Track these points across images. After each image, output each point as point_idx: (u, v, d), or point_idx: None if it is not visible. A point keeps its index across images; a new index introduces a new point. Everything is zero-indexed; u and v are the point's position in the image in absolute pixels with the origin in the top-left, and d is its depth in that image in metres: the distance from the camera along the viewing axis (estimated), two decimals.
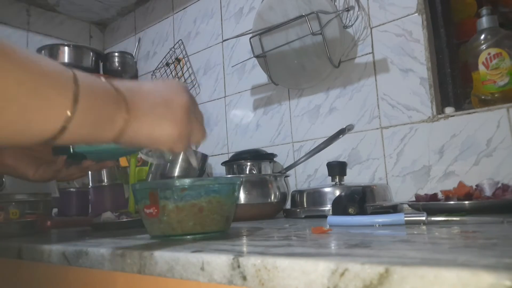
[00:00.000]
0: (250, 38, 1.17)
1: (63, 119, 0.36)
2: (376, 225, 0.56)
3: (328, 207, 0.84)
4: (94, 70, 1.64)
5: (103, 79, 0.42)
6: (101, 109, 0.39)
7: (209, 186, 0.56)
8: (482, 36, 0.93)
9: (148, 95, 0.45)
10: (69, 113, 0.36)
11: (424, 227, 0.52)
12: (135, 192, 0.60)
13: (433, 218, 0.56)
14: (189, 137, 0.48)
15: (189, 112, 0.47)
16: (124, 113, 0.41)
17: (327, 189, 0.87)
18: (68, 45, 1.58)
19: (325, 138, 0.94)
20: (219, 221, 0.58)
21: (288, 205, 1.00)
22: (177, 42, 1.54)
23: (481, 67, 0.92)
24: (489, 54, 0.91)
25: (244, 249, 0.41)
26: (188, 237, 0.57)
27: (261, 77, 1.28)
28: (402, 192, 0.97)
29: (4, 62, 0.33)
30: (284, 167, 1.08)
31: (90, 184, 1.15)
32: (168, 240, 0.57)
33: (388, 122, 1.02)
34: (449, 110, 0.94)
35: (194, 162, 0.61)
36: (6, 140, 0.36)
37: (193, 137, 0.49)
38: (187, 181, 0.56)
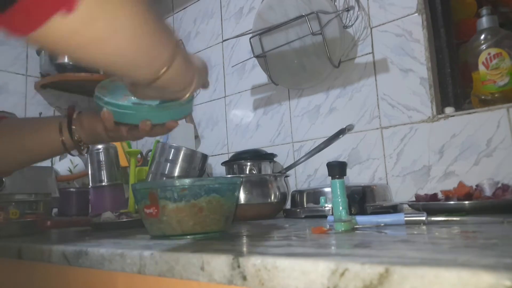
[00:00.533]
0: (250, 38, 1.17)
1: (169, 59, 0.46)
2: (376, 225, 0.56)
3: (328, 207, 0.84)
4: (94, 70, 1.64)
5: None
6: (184, 59, 0.50)
7: (209, 186, 0.56)
8: (482, 36, 0.93)
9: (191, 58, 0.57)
10: (172, 53, 0.46)
11: (424, 227, 0.52)
12: (135, 192, 0.60)
13: (433, 218, 0.56)
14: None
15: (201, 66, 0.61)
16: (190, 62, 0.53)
17: (327, 189, 0.87)
18: None
19: (325, 138, 0.94)
20: (219, 221, 0.58)
21: (288, 205, 1.00)
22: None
23: (481, 67, 0.92)
24: (489, 54, 0.91)
25: (244, 249, 0.41)
26: (188, 237, 0.57)
27: (261, 77, 1.28)
28: (402, 192, 0.97)
29: (137, 9, 0.40)
30: (284, 167, 1.08)
31: (90, 184, 1.15)
32: (168, 240, 0.57)
33: (388, 122, 1.02)
34: (449, 110, 0.94)
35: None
36: (131, 68, 0.44)
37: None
38: (187, 181, 0.56)
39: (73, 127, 0.67)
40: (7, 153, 0.67)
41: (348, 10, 1.05)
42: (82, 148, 0.69)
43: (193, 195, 0.55)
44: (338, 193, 0.55)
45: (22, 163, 0.73)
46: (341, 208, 0.55)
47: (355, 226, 0.56)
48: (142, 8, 0.40)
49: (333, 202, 0.55)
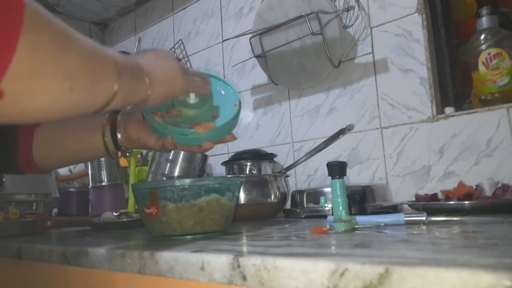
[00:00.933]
0: (250, 38, 1.17)
1: (113, 91, 0.45)
2: (376, 225, 0.56)
3: (328, 207, 0.84)
4: None
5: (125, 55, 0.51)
6: (134, 80, 0.49)
7: (209, 186, 0.56)
8: (482, 36, 0.93)
9: (155, 62, 0.56)
10: (116, 86, 0.45)
11: (424, 227, 0.52)
12: (135, 192, 0.60)
13: (433, 218, 0.56)
14: (193, 79, 0.61)
15: (183, 66, 0.60)
16: (147, 79, 0.52)
17: (327, 189, 0.87)
18: None
19: (325, 138, 0.94)
20: (219, 221, 0.58)
21: (288, 205, 1.00)
22: (177, 42, 1.54)
23: (481, 67, 0.92)
24: (489, 54, 0.91)
25: (244, 249, 0.41)
26: (188, 237, 0.57)
27: (261, 77, 1.28)
28: (402, 192, 0.97)
29: (70, 33, 0.39)
30: (284, 167, 1.08)
31: (90, 184, 1.15)
32: (168, 240, 0.57)
33: (388, 122, 1.02)
34: (449, 110, 0.94)
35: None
36: (71, 111, 0.42)
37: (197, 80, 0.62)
38: (187, 181, 0.56)
39: (118, 135, 0.68)
40: (50, 153, 0.68)
41: (348, 10, 1.05)
42: (126, 153, 0.70)
43: (193, 195, 0.55)
44: (338, 193, 0.55)
45: (64, 164, 0.75)
46: (341, 208, 0.55)
47: (355, 226, 0.56)
48: (71, 66, 0.39)
49: (333, 202, 0.55)
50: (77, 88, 0.40)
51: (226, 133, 0.65)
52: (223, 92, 0.69)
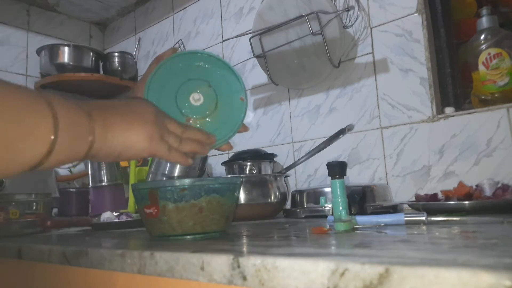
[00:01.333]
0: (250, 38, 1.17)
1: (49, 142, 0.38)
2: (376, 225, 0.56)
3: (328, 207, 0.84)
4: (94, 70, 1.64)
5: (70, 98, 0.44)
6: (77, 127, 0.42)
7: (209, 186, 0.56)
8: (482, 36, 0.93)
9: (116, 107, 0.48)
10: (52, 137, 0.38)
11: (424, 227, 0.52)
12: (135, 192, 0.60)
13: (433, 218, 0.56)
14: (163, 139, 0.51)
15: (157, 115, 0.50)
16: (98, 126, 0.44)
17: (327, 189, 0.87)
18: (68, 45, 1.58)
19: (325, 138, 0.94)
20: (219, 221, 0.58)
21: (288, 205, 1.00)
22: (177, 42, 1.54)
23: (481, 67, 0.92)
24: (489, 54, 0.91)
25: (244, 249, 0.41)
26: (188, 237, 0.57)
27: (261, 77, 1.28)
28: (402, 192, 0.97)
29: None
30: (284, 167, 1.08)
31: (90, 184, 1.15)
32: (168, 240, 0.57)
33: (388, 122, 1.02)
34: (449, 110, 0.94)
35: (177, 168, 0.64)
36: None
37: (168, 139, 0.52)
38: (187, 181, 0.56)
39: None
40: None
41: (348, 10, 1.05)
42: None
43: (193, 195, 0.55)
44: (338, 193, 0.55)
45: None
46: (341, 208, 0.55)
47: (355, 226, 0.56)
48: None
49: (333, 202, 0.55)
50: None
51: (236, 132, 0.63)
52: (226, 80, 0.62)
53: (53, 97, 0.40)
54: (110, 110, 0.47)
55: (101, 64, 1.70)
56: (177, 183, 0.56)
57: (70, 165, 1.39)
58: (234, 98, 0.62)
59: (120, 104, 0.49)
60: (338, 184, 0.56)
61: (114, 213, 0.91)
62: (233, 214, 0.61)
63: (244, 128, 0.63)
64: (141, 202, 0.58)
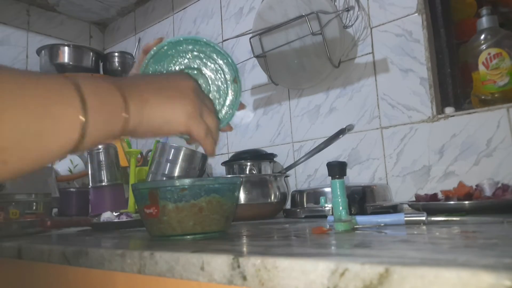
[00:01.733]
0: (250, 38, 1.17)
1: (80, 127, 0.37)
2: (376, 225, 0.56)
3: (328, 207, 0.84)
4: (94, 70, 1.64)
5: (102, 77, 0.43)
6: (109, 105, 0.40)
7: (209, 186, 0.56)
8: (482, 36, 0.93)
9: (152, 81, 0.46)
10: (82, 118, 0.37)
11: (424, 227, 0.52)
12: (135, 192, 0.60)
13: (433, 218, 0.56)
14: (202, 117, 0.48)
15: (197, 93, 0.48)
16: (132, 102, 0.42)
17: (327, 189, 0.87)
18: (68, 45, 1.58)
19: (325, 138, 0.94)
20: (219, 221, 0.58)
21: (288, 205, 1.00)
22: None
23: (481, 67, 0.92)
24: (489, 54, 0.91)
25: (244, 249, 0.41)
26: (188, 237, 0.57)
27: (261, 77, 1.28)
28: (402, 192, 0.97)
29: (6, 95, 0.33)
30: (284, 167, 1.08)
31: (90, 184, 1.15)
32: (168, 240, 0.57)
33: (388, 122, 1.02)
34: (449, 110, 0.94)
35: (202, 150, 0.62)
36: (32, 165, 0.36)
37: (206, 118, 0.49)
38: (187, 181, 0.56)
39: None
40: None
41: (348, 10, 1.05)
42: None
43: (193, 195, 0.55)
44: (338, 193, 0.55)
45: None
46: (341, 208, 0.55)
47: (355, 226, 0.56)
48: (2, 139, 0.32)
49: (333, 202, 0.55)
50: (12, 161, 0.33)
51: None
52: (219, 62, 0.61)
53: (82, 79, 0.39)
54: (146, 85, 0.45)
55: (101, 64, 1.70)
56: (177, 183, 0.56)
57: (71, 166, 1.39)
58: (227, 81, 0.62)
59: (158, 78, 0.48)
60: (338, 184, 0.56)
61: (114, 213, 0.91)
62: (233, 214, 0.61)
63: (228, 127, 0.63)
64: (141, 202, 0.58)
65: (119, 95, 0.41)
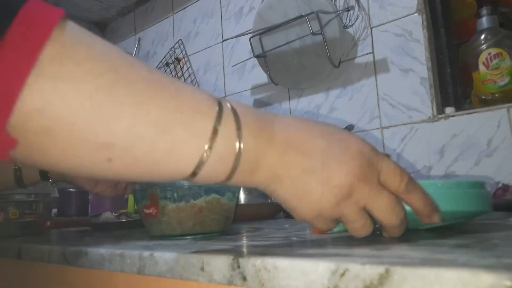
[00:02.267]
0: (250, 38, 1.17)
1: (196, 162, 0.31)
2: (376, 225, 0.56)
3: None
4: None
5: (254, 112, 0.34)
6: (246, 148, 0.32)
7: (208, 187, 0.56)
8: (482, 36, 0.93)
9: (312, 132, 0.35)
10: (205, 155, 0.31)
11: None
12: (135, 192, 0.60)
13: None
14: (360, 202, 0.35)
15: (370, 164, 0.34)
16: (277, 156, 0.33)
17: None
18: None
19: None
20: (219, 221, 0.58)
21: None
22: (177, 42, 1.54)
23: (482, 67, 0.92)
24: (489, 54, 0.91)
25: (244, 249, 0.41)
26: (188, 237, 0.57)
27: (261, 77, 1.28)
28: None
29: (134, 93, 0.28)
30: None
31: None
32: (168, 240, 0.57)
33: (388, 122, 1.02)
34: (449, 110, 0.94)
35: None
36: (139, 178, 0.32)
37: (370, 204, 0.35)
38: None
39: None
40: None
41: (348, 10, 1.05)
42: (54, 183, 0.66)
43: (193, 195, 0.55)
44: None
45: None
46: None
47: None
48: (114, 133, 0.28)
49: None
50: (118, 163, 0.30)
51: None
52: None
53: (233, 111, 0.32)
54: (303, 142, 0.34)
55: None
56: (177, 183, 0.56)
57: None
58: None
59: (313, 127, 0.36)
60: None
61: (113, 214, 0.91)
62: (233, 214, 0.61)
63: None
64: (141, 202, 0.59)
65: (265, 143, 0.33)
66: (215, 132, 0.31)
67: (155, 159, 0.30)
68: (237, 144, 0.32)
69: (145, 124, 0.29)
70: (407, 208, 0.37)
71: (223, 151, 0.31)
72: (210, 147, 0.31)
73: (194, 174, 0.32)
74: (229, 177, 0.33)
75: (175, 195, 0.55)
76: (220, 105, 0.32)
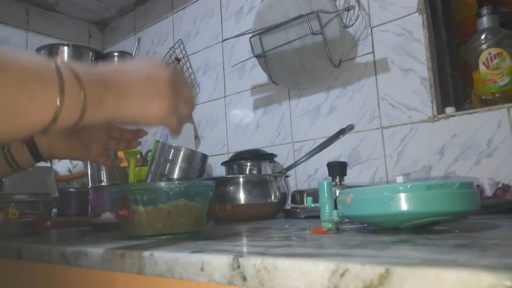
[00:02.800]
0: (250, 38, 1.17)
1: (53, 110, 0.38)
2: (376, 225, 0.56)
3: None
4: None
5: (85, 64, 0.43)
6: (88, 95, 0.41)
7: (176, 191, 0.59)
8: (483, 36, 0.93)
9: (132, 75, 0.47)
10: (58, 103, 0.38)
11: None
12: (111, 195, 0.63)
13: None
14: (177, 110, 0.49)
15: (173, 86, 0.49)
16: (111, 95, 0.43)
17: None
18: (67, 45, 1.57)
19: (325, 138, 0.94)
20: (188, 223, 0.61)
21: (288, 205, 1.00)
22: (177, 41, 1.54)
23: (482, 67, 0.92)
24: (489, 54, 0.91)
25: (244, 249, 0.41)
26: (163, 237, 0.60)
27: (261, 77, 1.28)
28: None
29: None
30: (284, 167, 1.08)
31: (90, 184, 1.15)
32: (141, 240, 0.59)
33: (388, 122, 1.01)
34: (449, 110, 0.94)
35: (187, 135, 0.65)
36: (2, 138, 0.38)
37: (180, 109, 0.50)
38: (155, 185, 0.61)
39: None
40: None
41: (348, 9, 1.05)
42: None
43: (161, 199, 0.59)
44: (326, 195, 0.55)
45: None
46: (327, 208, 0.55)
47: (355, 226, 0.56)
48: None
49: (320, 202, 0.56)
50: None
51: None
52: None
53: (66, 64, 0.40)
54: (128, 76, 0.46)
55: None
56: (146, 187, 0.60)
57: (70, 166, 1.39)
58: None
59: (140, 70, 0.48)
60: (325, 185, 0.56)
61: (113, 214, 0.91)
62: (205, 215, 0.64)
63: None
64: (116, 204, 0.62)
65: (100, 87, 0.42)
66: (62, 85, 0.38)
67: (19, 117, 0.36)
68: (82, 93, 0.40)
69: (5, 90, 0.35)
70: (394, 208, 0.43)
71: (73, 96, 0.39)
72: (61, 93, 0.38)
73: (54, 120, 0.38)
74: (82, 115, 0.41)
75: (145, 198, 0.58)
76: (57, 67, 0.39)
